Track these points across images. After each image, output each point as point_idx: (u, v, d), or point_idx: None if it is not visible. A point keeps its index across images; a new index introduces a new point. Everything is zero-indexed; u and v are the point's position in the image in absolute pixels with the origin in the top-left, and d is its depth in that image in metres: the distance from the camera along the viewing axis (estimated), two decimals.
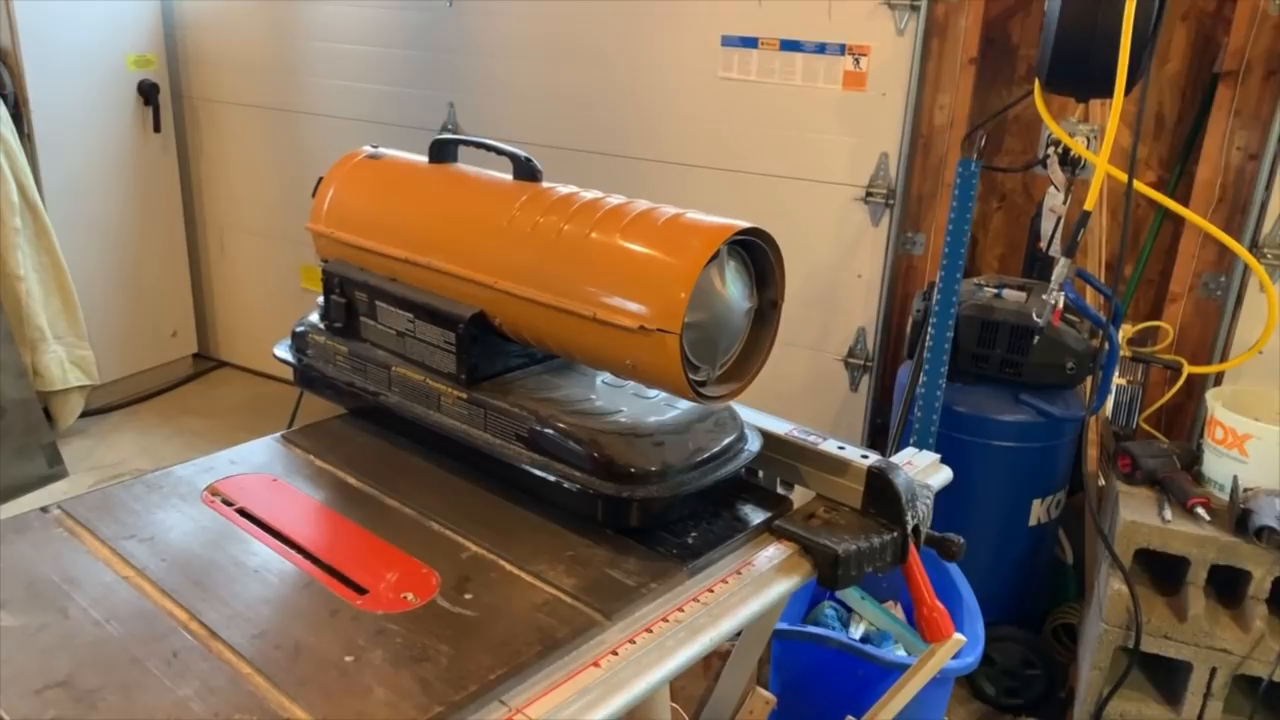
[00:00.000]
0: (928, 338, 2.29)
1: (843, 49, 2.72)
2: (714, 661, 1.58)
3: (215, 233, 4.10)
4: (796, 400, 3.03)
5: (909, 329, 2.51)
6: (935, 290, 2.32)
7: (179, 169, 3.93)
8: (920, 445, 2.14)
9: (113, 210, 3.68)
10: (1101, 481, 2.37)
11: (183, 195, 3.97)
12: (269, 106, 3.78)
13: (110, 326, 3.70)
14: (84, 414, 3.59)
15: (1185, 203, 2.47)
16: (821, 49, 2.74)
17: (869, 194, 2.81)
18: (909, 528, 1.16)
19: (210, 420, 3.77)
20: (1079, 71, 2.06)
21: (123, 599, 0.95)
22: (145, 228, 3.82)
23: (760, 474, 1.31)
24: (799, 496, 1.27)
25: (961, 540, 1.21)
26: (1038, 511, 2.39)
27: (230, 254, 4.10)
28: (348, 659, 0.88)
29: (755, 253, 1.14)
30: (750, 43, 2.83)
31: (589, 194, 1.18)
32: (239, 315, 4.18)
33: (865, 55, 2.70)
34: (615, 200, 1.16)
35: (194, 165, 4.03)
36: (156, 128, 3.75)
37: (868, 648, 1.92)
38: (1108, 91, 1.96)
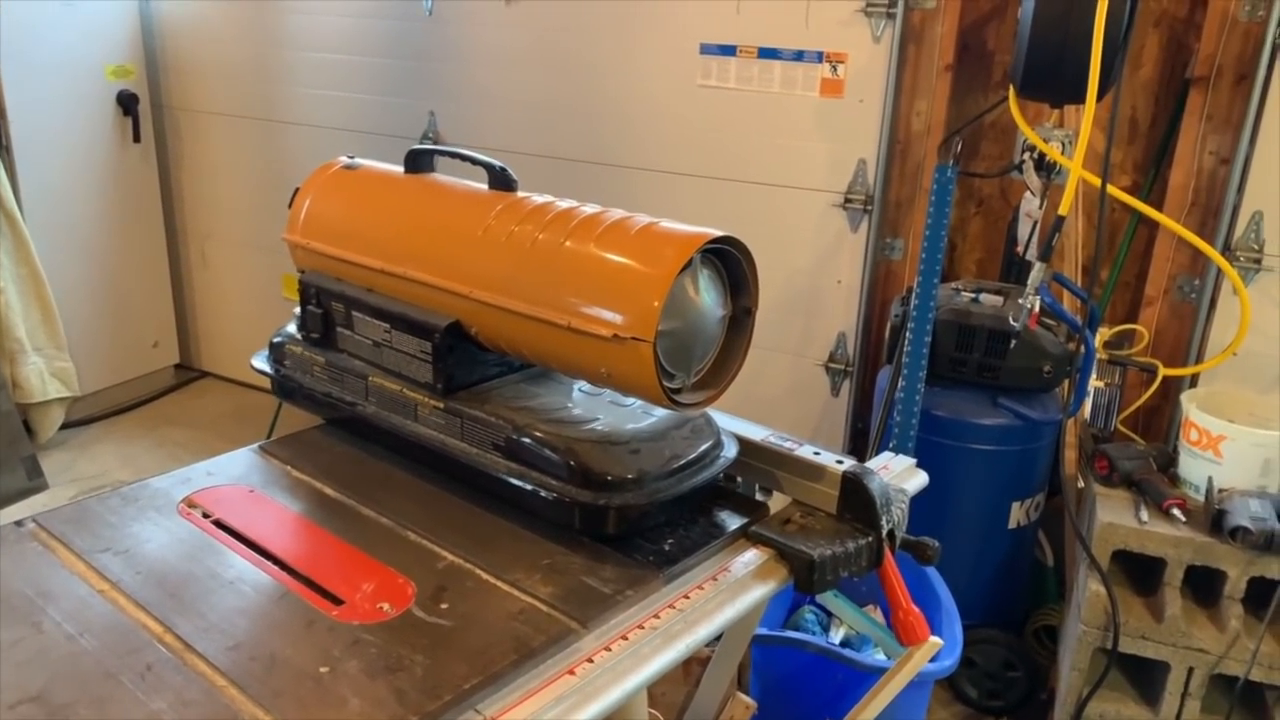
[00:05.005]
0: (906, 342, 2.31)
1: (820, 56, 2.74)
2: (694, 667, 1.59)
3: (196, 242, 4.09)
4: (778, 406, 3.05)
5: (887, 334, 2.53)
6: (913, 295, 2.34)
7: (159, 179, 3.92)
8: (899, 449, 2.15)
9: (92, 221, 3.67)
10: (1080, 484, 2.39)
11: (163, 205, 3.96)
12: (249, 116, 3.78)
13: (91, 337, 3.68)
14: (64, 426, 3.57)
15: (1159, 207, 2.50)
16: (799, 56, 2.76)
17: (848, 200, 2.82)
18: (884, 532, 1.17)
19: (193, 431, 3.75)
20: (1052, 78, 2.08)
21: (97, 613, 0.95)
22: (125, 238, 3.81)
23: (739, 480, 1.32)
24: (778, 503, 1.28)
25: (937, 544, 1.22)
26: (1017, 514, 2.41)
27: (212, 264, 4.09)
28: (323, 670, 0.89)
29: (729, 260, 1.14)
30: (728, 50, 2.85)
31: (564, 203, 1.19)
32: (221, 325, 4.17)
33: (842, 62, 2.72)
34: (590, 209, 1.16)
35: (174, 175, 4.01)
36: (136, 138, 3.74)
37: (846, 652, 1.93)
38: (1081, 97, 1.98)
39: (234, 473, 1.25)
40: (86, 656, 0.89)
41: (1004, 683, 2.40)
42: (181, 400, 4.05)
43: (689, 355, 1.13)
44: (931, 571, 2.06)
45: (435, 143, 3.34)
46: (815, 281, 2.93)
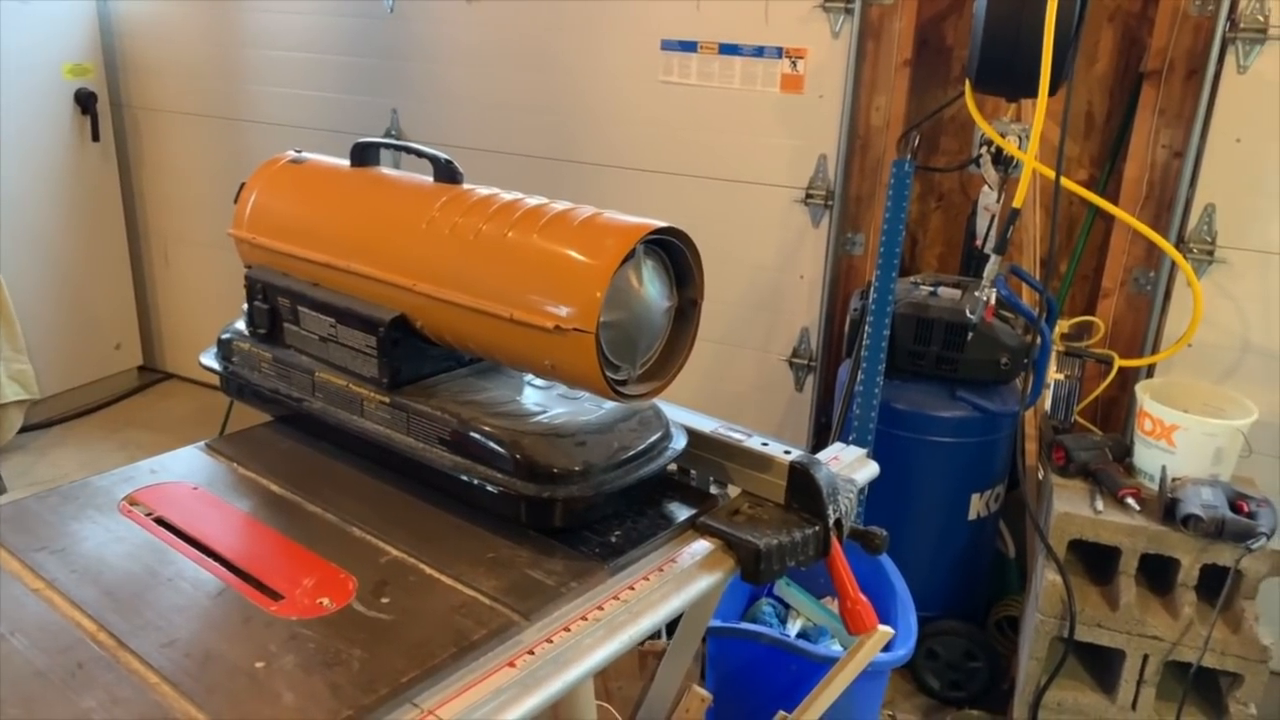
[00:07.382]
0: (865, 336, 2.32)
1: (780, 52, 2.75)
2: (649, 661, 1.59)
3: (159, 243, 4.05)
4: (745, 401, 3.05)
5: (847, 328, 2.54)
6: (871, 289, 2.35)
7: (119, 179, 3.88)
8: (859, 442, 2.17)
9: (51, 221, 3.62)
10: (1040, 474, 2.41)
11: (124, 205, 3.92)
12: (210, 114, 3.74)
13: (51, 340, 3.63)
14: (24, 429, 3.52)
15: (1115, 200, 2.52)
16: (759, 52, 2.77)
17: (809, 195, 2.83)
18: (831, 521, 1.18)
19: (156, 433, 3.71)
20: (1006, 72, 2.10)
21: (29, 611, 0.94)
22: (85, 238, 3.76)
23: (692, 473, 1.32)
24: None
25: (884, 533, 1.23)
26: (977, 505, 2.43)
27: (174, 264, 4.05)
28: (258, 665, 0.88)
29: (674, 252, 1.14)
30: (689, 46, 2.85)
31: (508, 195, 1.19)
32: (184, 326, 4.12)
33: (802, 58, 2.73)
34: (534, 201, 1.16)
35: (135, 175, 3.97)
36: (95, 137, 3.69)
37: (800, 642, 1.93)
38: (1034, 91, 2.00)
39: (178, 470, 1.24)
40: (16, 656, 0.88)
41: (965, 673, 2.41)
42: (145, 403, 4.01)
43: (634, 347, 1.13)
44: (887, 561, 2.07)
45: (398, 140, 3.32)
46: (778, 277, 2.94)
